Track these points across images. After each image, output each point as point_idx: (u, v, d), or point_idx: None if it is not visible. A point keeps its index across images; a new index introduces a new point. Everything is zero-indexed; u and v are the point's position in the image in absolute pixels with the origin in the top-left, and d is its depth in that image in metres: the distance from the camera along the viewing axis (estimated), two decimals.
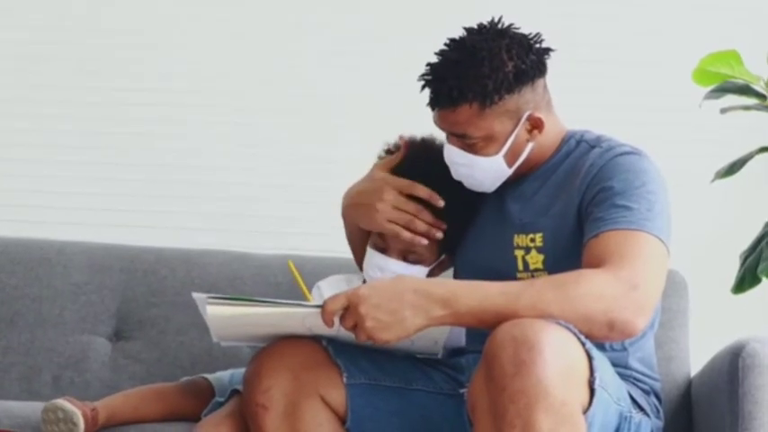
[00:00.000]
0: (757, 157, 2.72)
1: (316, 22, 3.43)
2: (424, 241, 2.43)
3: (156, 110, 3.42)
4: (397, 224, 2.44)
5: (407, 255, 2.47)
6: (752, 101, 2.72)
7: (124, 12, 3.45)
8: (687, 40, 3.30)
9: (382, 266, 2.47)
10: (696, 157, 3.25)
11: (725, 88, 2.72)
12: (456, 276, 2.50)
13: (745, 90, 2.71)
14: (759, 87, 2.71)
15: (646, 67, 3.38)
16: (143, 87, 3.42)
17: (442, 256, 2.50)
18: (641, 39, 3.39)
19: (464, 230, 2.48)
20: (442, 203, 2.43)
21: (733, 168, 2.73)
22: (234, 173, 3.41)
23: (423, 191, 2.43)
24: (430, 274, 2.50)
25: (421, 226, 2.44)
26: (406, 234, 2.43)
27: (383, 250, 2.48)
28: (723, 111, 2.74)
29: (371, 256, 2.50)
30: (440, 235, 2.43)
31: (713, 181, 2.77)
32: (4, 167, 3.41)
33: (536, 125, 2.35)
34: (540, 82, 2.36)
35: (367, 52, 3.41)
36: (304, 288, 2.31)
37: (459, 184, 2.42)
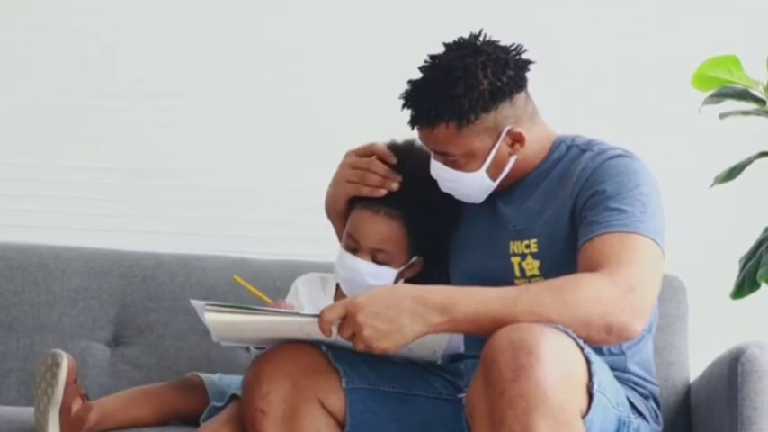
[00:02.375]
0: (756, 162, 2.72)
1: (312, 25, 3.43)
2: (382, 191, 2.45)
3: (154, 115, 3.42)
4: (355, 182, 2.48)
5: (376, 255, 2.48)
6: (751, 106, 2.71)
7: (119, 13, 3.46)
8: (686, 45, 3.30)
9: (352, 267, 2.49)
10: (695, 161, 3.24)
11: (724, 93, 2.72)
12: (452, 284, 2.51)
13: (745, 95, 2.71)
14: (758, 92, 2.71)
15: (645, 71, 3.37)
16: (141, 92, 3.42)
17: (413, 258, 2.51)
18: (640, 43, 3.38)
19: (436, 235, 2.50)
20: (394, 160, 2.48)
21: (732, 173, 2.72)
22: (231, 178, 3.40)
23: (378, 148, 2.50)
24: (400, 276, 2.51)
25: (373, 178, 2.47)
26: (365, 189, 2.46)
27: (354, 251, 2.49)
28: (722, 116, 2.74)
29: (342, 256, 2.51)
30: (395, 186, 2.45)
31: (712, 186, 2.77)
32: (1, 172, 3.40)
33: (517, 139, 2.35)
34: (519, 96, 2.35)
35: (363, 55, 3.40)
36: (258, 293, 2.32)
37: (431, 188, 2.44)
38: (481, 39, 2.36)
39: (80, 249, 3.04)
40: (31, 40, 3.44)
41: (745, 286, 2.69)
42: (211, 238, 3.34)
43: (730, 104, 2.72)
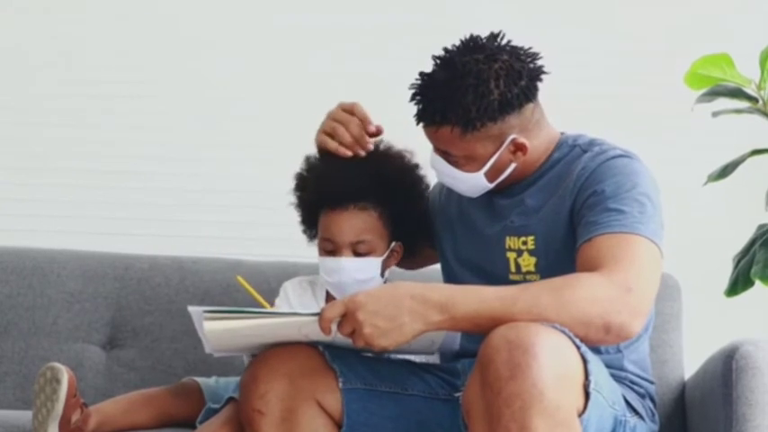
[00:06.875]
0: (749, 159, 2.72)
1: (308, 25, 3.43)
2: (347, 152, 2.45)
3: (150, 118, 3.42)
4: (328, 133, 2.48)
5: (357, 247, 2.48)
6: (743, 104, 2.72)
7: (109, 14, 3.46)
8: (679, 44, 3.30)
9: (336, 268, 2.49)
10: (688, 160, 3.25)
11: (717, 91, 2.72)
12: (445, 273, 2.54)
13: (737, 93, 2.71)
14: (750, 90, 2.71)
15: (638, 70, 3.38)
16: (138, 95, 3.42)
17: (393, 244, 2.52)
18: (633, 42, 3.39)
19: (409, 216, 2.51)
20: (372, 128, 2.47)
21: (725, 171, 2.73)
22: (226, 180, 3.40)
23: (359, 109, 2.48)
24: (385, 266, 2.52)
25: (346, 136, 2.46)
26: (331, 143, 2.46)
27: (332, 252, 2.49)
28: (715, 114, 2.74)
29: (323, 262, 2.51)
30: (362, 153, 2.45)
31: (705, 184, 2.77)
32: None
33: (519, 148, 2.35)
34: (528, 106, 2.33)
35: (358, 55, 3.41)
36: (259, 298, 2.32)
37: (396, 176, 2.48)
38: (500, 40, 2.33)
39: (75, 252, 3.04)
40: (26, 45, 3.44)
41: (738, 284, 2.69)
42: (206, 240, 3.34)
43: (723, 102, 2.73)
